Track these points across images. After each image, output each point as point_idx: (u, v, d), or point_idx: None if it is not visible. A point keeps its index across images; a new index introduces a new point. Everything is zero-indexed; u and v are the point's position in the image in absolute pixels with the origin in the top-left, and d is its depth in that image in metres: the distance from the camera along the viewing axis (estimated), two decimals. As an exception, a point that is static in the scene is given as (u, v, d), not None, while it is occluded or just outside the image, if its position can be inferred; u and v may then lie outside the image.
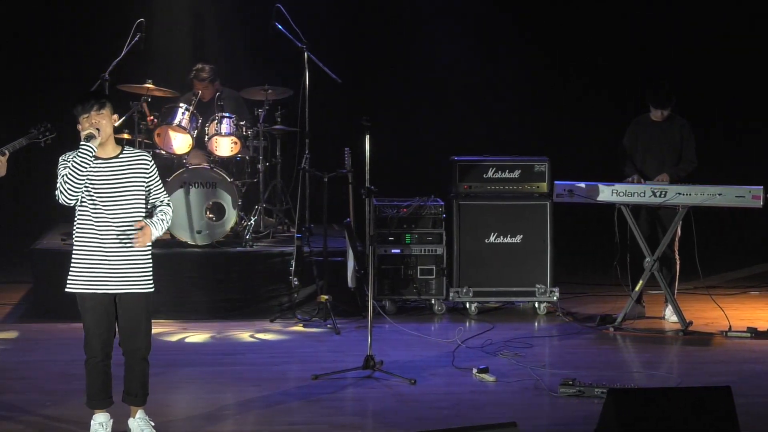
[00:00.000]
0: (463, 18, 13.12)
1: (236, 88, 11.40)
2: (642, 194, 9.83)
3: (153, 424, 6.99)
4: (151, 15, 11.33)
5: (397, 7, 13.15)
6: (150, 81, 10.94)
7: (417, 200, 10.69)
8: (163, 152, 10.88)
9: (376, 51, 13.13)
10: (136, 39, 10.81)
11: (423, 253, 10.60)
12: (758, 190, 9.62)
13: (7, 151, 7.78)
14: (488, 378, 8.35)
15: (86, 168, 6.70)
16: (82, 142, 6.73)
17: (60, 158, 6.78)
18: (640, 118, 10.36)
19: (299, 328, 10.04)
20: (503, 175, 10.65)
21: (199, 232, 10.47)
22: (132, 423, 6.99)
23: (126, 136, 10.98)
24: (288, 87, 11.12)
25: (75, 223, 6.87)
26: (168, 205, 6.94)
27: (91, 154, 6.71)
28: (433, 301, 10.64)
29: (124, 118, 10.88)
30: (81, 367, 8.40)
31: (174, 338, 9.66)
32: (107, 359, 6.92)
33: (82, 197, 6.78)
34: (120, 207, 6.79)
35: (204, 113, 11.01)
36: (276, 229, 11.21)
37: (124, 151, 6.88)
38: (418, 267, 10.58)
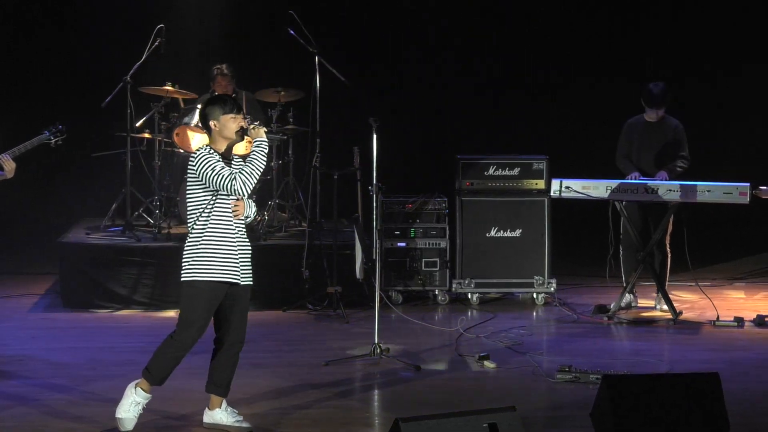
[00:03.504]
0: (464, 18, 13.11)
1: (251, 91, 11.43)
2: (635, 191, 9.84)
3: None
4: (169, 19, 11.35)
5: (402, 8, 13.14)
6: (169, 83, 10.97)
7: (422, 196, 10.72)
8: (182, 151, 10.92)
9: (383, 53, 13.13)
10: (156, 43, 10.84)
11: (427, 246, 10.62)
12: (745, 187, 9.62)
13: (14, 153, 7.76)
14: (489, 364, 8.38)
15: None
16: (262, 139, 6.81)
17: (202, 154, 6.67)
18: (633, 119, 10.34)
19: (310, 317, 10.07)
20: (503, 173, 10.67)
21: (215, 227, 10.48)
22: (219, 414, 6.92)
23: (147, 135, 11.02)
24: (300, 89, 11.13)
25: (206, 217, 6.70)
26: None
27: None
28: (436, 292, 10.67)
29: (145, 118, 10.93)
30: (106, 354, 8.54)
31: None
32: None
33: (227, 194, 6.73)
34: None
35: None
36: (288, 224, 11.23)
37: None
38: (423, 259, 10.61)
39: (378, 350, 8.41)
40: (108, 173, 11.89)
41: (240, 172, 6.70)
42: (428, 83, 13.26)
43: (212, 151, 6.74)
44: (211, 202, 6.71)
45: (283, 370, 8.22)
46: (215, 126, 6.76)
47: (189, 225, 6.79)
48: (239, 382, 7.84)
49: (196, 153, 6.73)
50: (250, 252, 6.87)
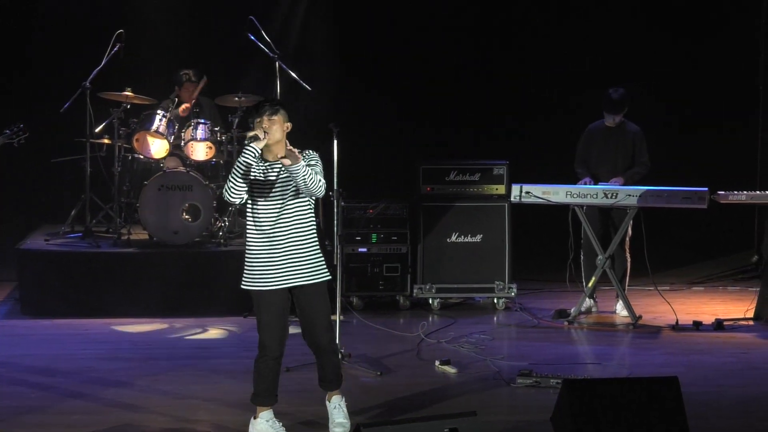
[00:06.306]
0: (429, 25, 13.11)
1: (211, 96, 11.40)
2: (594, 196, 9.90)
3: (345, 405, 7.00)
4: (129, 25, 11.29)
5: (366, 14, 13.12)
6: (129, 89, 10.92)
7: (383, 202, 10.73)
8: (142, 157, 10.88)
9: (344, 58, 13.11)
10: (116, 49, 10.80)
11: (388, 251, 10.62)
12: (704, 192, 9.70)
13: None
14: (450, 369, 8.39)
15: (248, 167, 6.67)
16: (246, 143, 6.73)
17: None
18: (594, 125, 10.40)
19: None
20: (464, 178, 10.70)
21: (176, 233, 10.46)
22: (329, 405, 7.00)
23: (106, 141, 10.97)
24: (260, 95, 11.10)
25: (247, 225, 6.78)
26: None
27: (253, 155, 6.68)
28: (398, 297, 10.67)
29: (104, 124, 10.87)
30: (64, 362, 8.46)
31: (154, 334, 9.65)
32: (280, 357, 6.87)
33: (253, 198, 6.73)
34: (289, 205, 6.75)
35: (181, 119, 11.01)
36: (249, 230, 11.19)
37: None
38: (384, 265, 10.61)
39: (340, 356, 8.39)
40: (67, 179, 11.82)
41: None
42: (389, 88, 13.24)
43: (246, 160, 6.72)
44: (248, 211, 6.77)
45: (244, 376, 8.15)
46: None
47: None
48: (200, 387, 7.83)
49: None
50: (306, 251, 6.79)
